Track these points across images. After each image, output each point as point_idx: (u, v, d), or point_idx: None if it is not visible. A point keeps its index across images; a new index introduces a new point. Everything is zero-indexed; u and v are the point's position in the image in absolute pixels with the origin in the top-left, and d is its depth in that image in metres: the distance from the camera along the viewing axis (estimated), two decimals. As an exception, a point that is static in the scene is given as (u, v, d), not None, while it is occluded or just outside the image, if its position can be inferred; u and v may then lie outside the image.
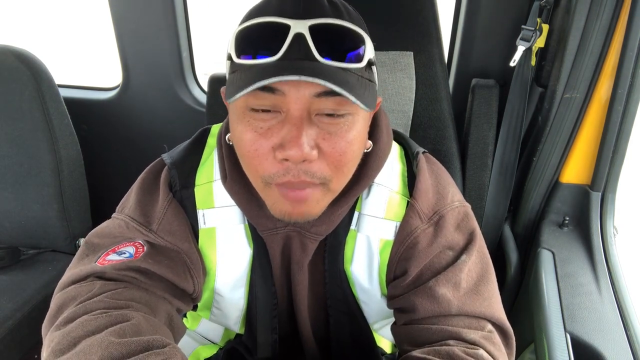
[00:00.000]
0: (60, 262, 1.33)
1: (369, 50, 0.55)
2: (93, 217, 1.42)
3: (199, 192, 0.70)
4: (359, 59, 0.54)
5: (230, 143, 0.65)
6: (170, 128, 1.59)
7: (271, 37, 0.52)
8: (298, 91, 0.52)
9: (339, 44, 0.53)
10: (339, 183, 0.60)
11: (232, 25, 0.59)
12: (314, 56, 0.51)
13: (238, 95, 0.51)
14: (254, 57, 0.53)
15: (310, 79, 0.48)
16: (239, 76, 0.53)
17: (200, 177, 0.71)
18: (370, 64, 0.57)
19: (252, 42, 0.54)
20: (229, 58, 0.56)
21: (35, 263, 1.31)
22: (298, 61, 0.51)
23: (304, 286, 0.73)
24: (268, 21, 0.52)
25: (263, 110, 0.54)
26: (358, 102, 0.51)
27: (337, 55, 0.52)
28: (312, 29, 0.51)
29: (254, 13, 0.56)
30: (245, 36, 0.54)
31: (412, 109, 1.11)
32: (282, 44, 0.51)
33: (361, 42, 0.54)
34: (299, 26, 0.51)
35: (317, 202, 0.59)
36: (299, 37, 0.51)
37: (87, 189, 1.40)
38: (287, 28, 0.51)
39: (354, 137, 0.56)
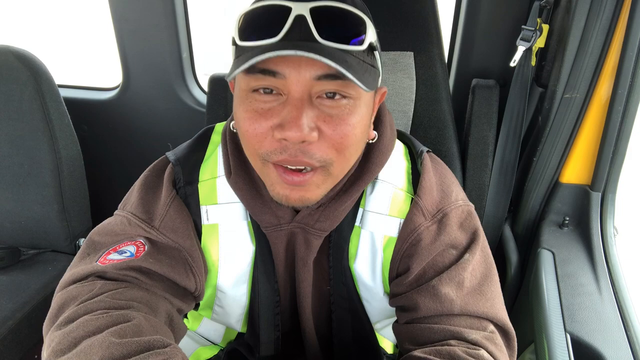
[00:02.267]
0: (60, 262, 1.33)
1: (370, 34, 0.55)
2: (93, 217, 1.42)
3: (202, 188, 0.70)
4: (360, 42, 0.54)
5: (235, 130, 0.65)
6: (170, 128, 1.59)
7: (273, 20, 0.52)
8: (299, 73, 0.52)
9: (340, 27, 0.53)
10: (341, 167, 0.59)
11: (232, 25, 0.59)
12: (314, 37, 0.51)
13: (237, 71, 0.51)
14: (257, 39, 0.53)
15: (308, 54, 0.48)
16: (242, 58, 0.54)
17: (204, 173, 0.71)
18: (372, 48, 0.57)
19: (254, 25, 0.54)
20: (233, 42, 0.56)
21: (35, 263, 1.31)
22: (299, 42, 0.51)
23: (308, 283, 0.73)
24: (270, 4, 0.53)
25: (265, 93, 0.54)
26: (358, 82, 0.51)
27: (338, 37, 0.52)
28: (313, 11, 0.51)
29: None
30: (248, 19, 0.54)
31: (413, 109, 1.12)
32: (284, 26, 0.51)
33: (362, 25, 0.54)
34: (300, 8, 0.51)
35: (317, 187, 0.59)
36: (300, 18, 0.51)
37: (87, 189, 1.40)
38: (288, 10, 0.52)
39: (357, 122, 0.56)
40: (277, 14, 0.52)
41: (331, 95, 0.54)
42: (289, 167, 0.56)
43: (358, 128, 0.57)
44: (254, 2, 0.55)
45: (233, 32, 0.56)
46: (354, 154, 0.60)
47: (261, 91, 0.54)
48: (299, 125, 0.52)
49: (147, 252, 0.65)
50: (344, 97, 0.55)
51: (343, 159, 0.58)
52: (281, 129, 0.53)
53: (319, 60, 0.49)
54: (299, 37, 0.51)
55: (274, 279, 0.74)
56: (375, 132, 0.66)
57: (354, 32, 0.54)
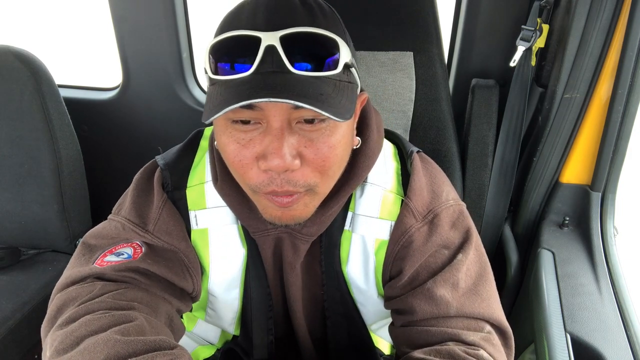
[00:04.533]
0: (60, 262, 1.32)
1: (344, 54, 0.54)
2: (93, 217, 1.42)
3: (190, 194, 0.70)
4: (335, 64, 0.53)
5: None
6: (170, 128, 1.59)
7: (244, 50, 0.52)
8: (276, 105, 0.52)
9: (313, 52, 0.53)
10: (325, 186, 0.60)
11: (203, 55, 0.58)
12: (287, 68, 0.51)
13: (212, 118, 0.51)
14: (231, 67, 0.53)
15: (280, 100, 0.48)
16: (216, 92, 0.53)
17: (193, 179, 0.71)
18: (347, 66, 0.56)
19: (225, 57, 0.53)
20: (206, 72, 0.56)
21: (35, 263, 1.31)
22: (271, 75, 0.50)
23: (298, 287, 0.73)
24: (239, 34, 0.52)
25: (244, 123, 0.54)
26: (331, 117, 0.50)
27: (311, 63, 0.52)
28: (283, 39, 0.51)
29: (226, 24, 0.56)
30: (218, 50, 0.54)
31: (412, 109, 1.12)
32: (255, 57, 0.51)
33: (335, 47, 0.53)
34: (270, 38, 0.51)
35: (305, 206, 0.59)
36: (270, 49, 0.51)
37: (87, 189, 1.40)
38: (258, 40, 0.51)
39: (337, 141, 0.56)
40: (247, 45, 0.52)
41: (310, 120, 0.54)
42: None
43: (339, 147, 0.57)
44: (223, 30, 0.54)
45: (204, 62, 0.55)
46: (338, 171, 0.61)
47: (240, 122, 0.54)
48: (281, 155, 0.52)
49: (145, 253, 0.65)
50: (322, 120, 0.54)
51: (327, 178, 0.58)
52: (264, 159, 0.53)
53: (293, 104, 0.48)
54: (271, 68, 0.51)
55: (266, 283, 0.74)
56: (358, 139, 0.65)
57: (328, 53, 0.53)
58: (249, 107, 0.51)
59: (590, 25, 0.92)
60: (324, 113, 0.50)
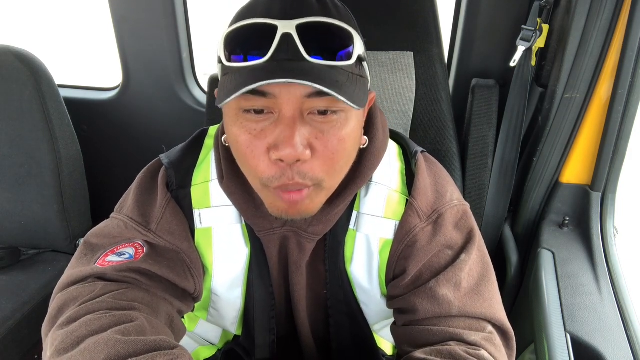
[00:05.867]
0: (60, 262, 1.33)
1: (358, 47, 0.55)
2: (93, 217, 1.42)
3: (195, 192, 0.70)
4: (349, 56, 0.54)
5: (227, 144, 0.65)
6: (170, 128, 1.59)
7: (260, 39, 0.52)
8: (289, 92, 0.52)
9: (328, 42, 0.53)
10: (333, 181, 0.60)
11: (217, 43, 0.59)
12: (302, 56, 0.51)
13: (227, 100, 0.51)
14: (244, 59, 0.53)
15: (298, 81, 0.48)
16: (230, 79, 0.53)
17: (197, 177, 0.71)
18: (360, 60, 0.57)
19: (240, 44, 0.54)
20: (220, 61, 0.56)
21: (35, 263, 1.31)
22: (287, 62, 0.51)
23: (302, 287, 0.73)
24: (255, 22, 0.52)
25: (256, 112, 0.54)
26: (347, 102, 0.51)
27: (326, 53, 0.52)
28: (299, 28, 0.51)
29: (242, 15, 0.56)
30: (233, 38, 0.54)
31: (412, 109, 1.11)
32: (271, 45, 0.51)
33: (350, 39, 0.54)
34: (286, 26, 0.51)
35: (311, 200, 0.59)
36: (286, 37, 0.51)
37: (87, 189, 1.41)
38: (274, 29, 0.51)
39: (347, 135, 0.57)
40: (263, 33, 0.52)
41: (323, 112, 0.54)
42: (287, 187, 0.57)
43: (349, 141, 0.57)
44: (238, 21, 0.54)
45: (219, 50, 0.56)
46: (345, 167, 0.61)
47: (252, 111, 0.54)
48: (293, 144, 0.52)
49: (146, 253, 0.65)
50: (334, 112, 0.55)
51: (334, 172, 0.59)
52: (276, 149, 0.53)
53: (311, 86, 0.49)
54: (286, 57, 0.51)
55: (269, 282, 0.74)
56: (366, 138, 0.66)
57: (342, 45, 0.54)
58: (263, 94, 0.52)
59: (590, 25, 0.92)
60: (340, 97, 0.50)
